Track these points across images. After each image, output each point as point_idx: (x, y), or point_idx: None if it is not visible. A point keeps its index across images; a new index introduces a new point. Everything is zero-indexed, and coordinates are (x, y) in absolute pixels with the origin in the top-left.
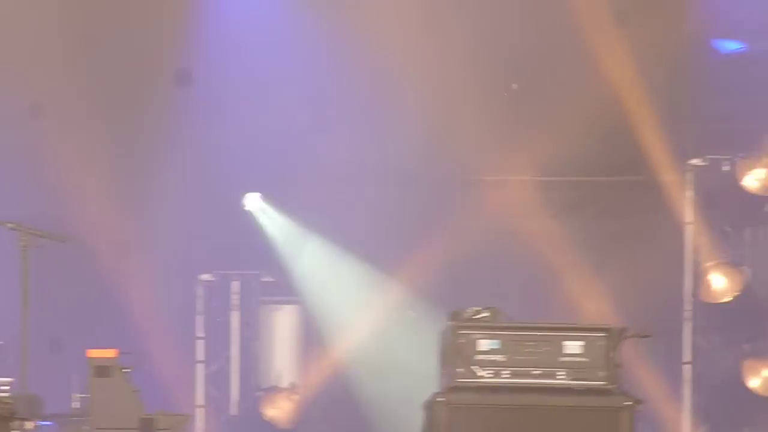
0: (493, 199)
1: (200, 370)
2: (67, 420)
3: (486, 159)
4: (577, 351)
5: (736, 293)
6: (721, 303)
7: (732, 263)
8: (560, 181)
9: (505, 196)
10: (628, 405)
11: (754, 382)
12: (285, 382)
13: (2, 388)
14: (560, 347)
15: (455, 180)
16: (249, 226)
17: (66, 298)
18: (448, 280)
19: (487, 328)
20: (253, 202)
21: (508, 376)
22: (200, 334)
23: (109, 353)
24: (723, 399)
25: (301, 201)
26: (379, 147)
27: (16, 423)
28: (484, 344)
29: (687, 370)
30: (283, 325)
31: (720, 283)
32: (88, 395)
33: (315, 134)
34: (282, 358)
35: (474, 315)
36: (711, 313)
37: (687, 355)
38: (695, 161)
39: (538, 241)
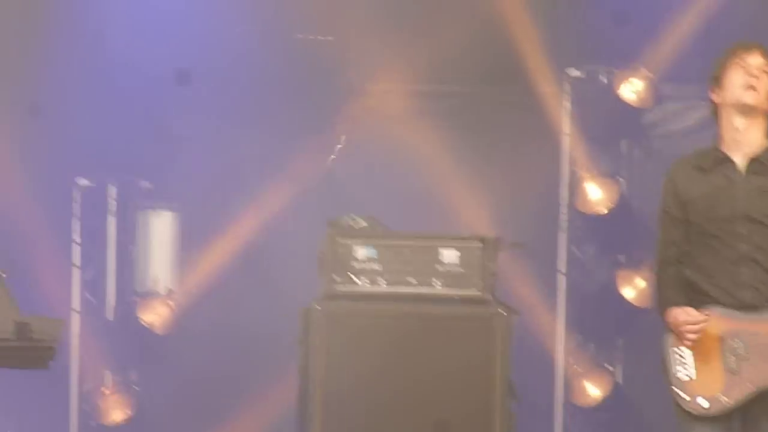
0: (371, 107)
1: (76, 275)
2: None
3: (363, 68)
4: (454, 260)
5: (611, 204)
6: (596, 213)
7: (608, 174)
8: (438, 91)
9: (383, 105)
10: (502, 314)
11: (628, 293)
12: (162, 288)
13: None
14: (437, 256)
15: (335, 88)
16: (128, 131)
17: None
18: (326, 189)
19: (365, 236)
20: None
21: (385, 284)
22: (76, 238)
23: None
24: (597, 309)
25: (182, 105)
26: (262, 53)
27: None
28: (361, 253)
29: (562, 280)
30: (160, 230)
31: (595, 194)
32: None
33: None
34: (159, 263)
35: (352, 224)
36: (586, 223)
37: (562, 265)
38: (573, 72)
39: (415, 150)
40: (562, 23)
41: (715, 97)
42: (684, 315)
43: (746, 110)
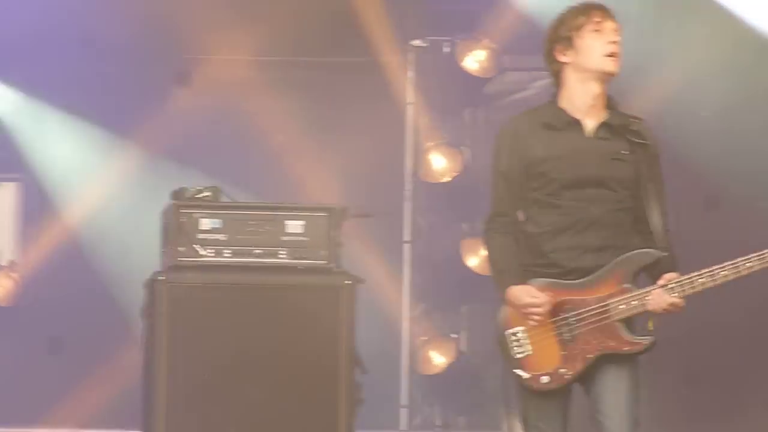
0: (214, 78)
1: None
2: None
3: (208, 37)
4: (299, 230)
5: (455, 173)
6: (440, 183)
7: (451, 144)
8: (282, 61)
9: (227, 74)
10: (348, 283)
11: (471, 261)
12: (4, 260)
13: None
14: (282, 226)
15: (175, 58)
16: None
17: None
18: (169, 159)
19: (209, 207)
20: None
21: (229, 255)
22: None
23: None
24: (442, 278)
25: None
26: (100, 21)
27: None
28: (205, 223)
29: (407, 250)
30: (2, 202)
31: (440, 164)
32: None
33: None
34: (1, 235)
35: (196, 194)
36: (431, 193)
37: (407, 234)
38: (416, 42)
39: (260, 121)
40: None
41: (563, 58)
42: (527, 297)
43: (606, 77)
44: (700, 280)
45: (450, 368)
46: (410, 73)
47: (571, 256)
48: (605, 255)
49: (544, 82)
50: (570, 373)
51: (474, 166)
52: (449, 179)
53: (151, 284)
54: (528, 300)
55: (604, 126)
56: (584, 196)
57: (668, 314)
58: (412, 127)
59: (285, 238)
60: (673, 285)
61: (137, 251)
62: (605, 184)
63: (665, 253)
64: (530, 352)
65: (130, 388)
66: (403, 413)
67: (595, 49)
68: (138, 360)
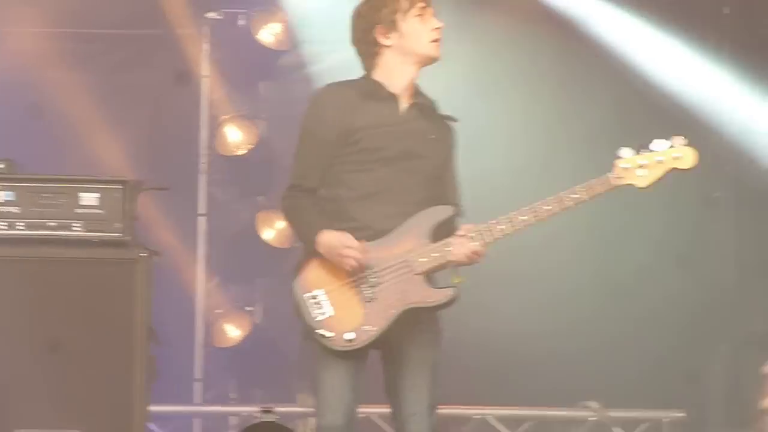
0: (5, 49)
1: None
2: None
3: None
4: (93, 203)
5: (250, 146)
6: (236, 156)
7: (247, 116)
8: (75, 33)
9: (21, 47)
10: (143, 256)
11: (267, 234)
12: None
13: None
14: (76, 199)
15: None
16: None
17: None
18: None
19: (2, 179)
20: None
21: (23, 228)
22: None
23: None
24: (237, 250)
25: None
26: None
27: None
28: None
29: (202, 222)
30: None
31: (235, 136)
32: None
33: None
34: None
35: None
36: (226, 165)
37: (202, 207)
38: (211, 14)
39: (56, 93)
40: None
41: (385, 41)
42: (344, 238)
43: (428, 61)
44: (499, 227)
45: (245, 341)
46: (205, 46)
47: (379, 218)
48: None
49: (340, 56)
50: (374, 329)
51: (269, 139)
52: (245, 152)
53: None
54: (346, 241)
55: (416, 106)
56: (397, 166)
57: (470, 263)
58: (207, 99)
59: (79, 211)
60: (473, 234)
61: None
62: (416, 158)
63: (459, 209)
64: (332, 314)
65: None
66: (197, 387)
67: (421, 34)
68: None
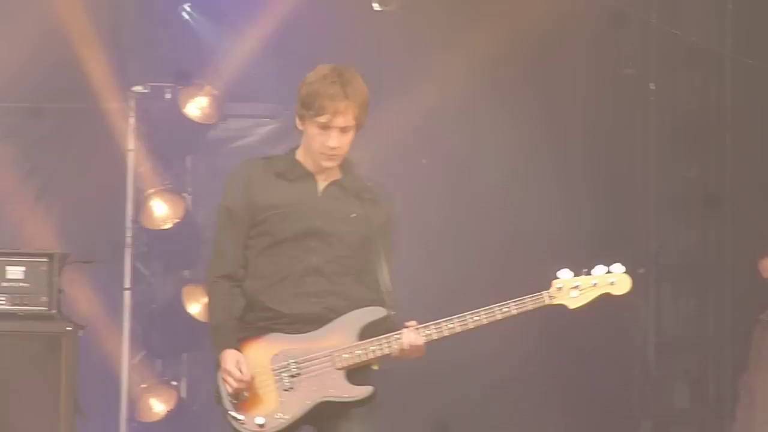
0: None
1: None
2: None
3: None
4: (19, 276)
5: (176, 220)
6: (162, 229)
7: (173, 190)
8: (2, 107)
9: None
10: (69, 330)
11: (193, 308)
12: None
13: None
14: (2, 273)
15: None
16: None
17: None
18: None
19: None
20: None
21: None
22: None
23: None
24: (163, 325)
25: None
26: None
27: None
28: None
29: (127, 296)
30: None
31: (161, 210)
32: None
33: None
34: None
35: None
36: (152, 239)
37: (127, 281)
38: (138, 88)
39: None
40: (128, 41)
41: (299, 125)
42: (231, 365)
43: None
44: (449, 325)
45: (170, 415)
46: (131, 120)
47: (291, 302)
48: (327, 300)
49: (266, 129)
50: (285, 417)
51: (195, 213)
52: (170, 226)
53: None
54: (233, 371)
55: (335, 185)
56: (304, 247)
57: (406, 358)
58: (133, 173)
59: (5, 284)
60: (425, 326)
61: None
62: (326, 239)
63: (393, 312)
64: (246, 398)
65: None
66: None
67: (315, 140)
68: None
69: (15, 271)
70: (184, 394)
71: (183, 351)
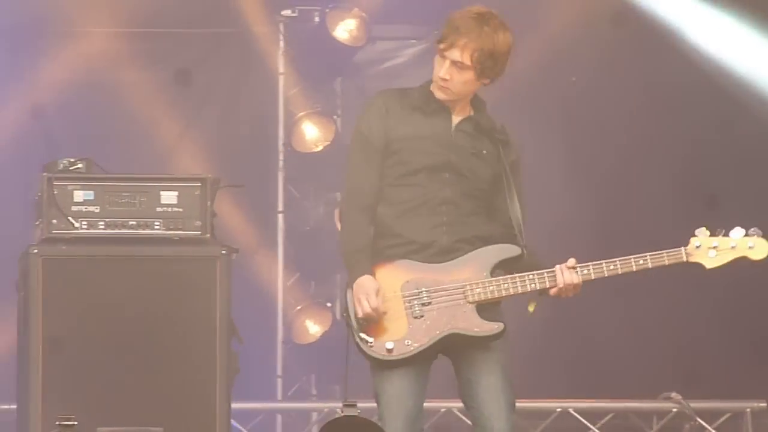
0: (82, 51)
1: None
2: None
3: (70, 11)
4: (173, 201)
5: (327, 142)
6: (313, 152)
7: (323, 113)
8: (149, 33)
9: (94, 47)
10: (224, 253)
11: None
12: None
13: None
14: (156, 198)
15: (42, 31)
16: None
17: None
18: (37, 133)
19: (82, 179)
20: None
21: (103, 227)
22: None
23: None
24: (315, 246)
25: None
26: None
27: None
28: (78, 195)
29: (280, 219)
30: None
31: (312, 133)
32: None
33: None
34: None
35: (69, 166)
36: (303, 162)
37: (280, 204)
38: (286, 12)
39: (128, 93)
40: None
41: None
42: (372, 295)
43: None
44: (610, 266)
45: (325, 337)
46: (281, 43)
47: (423, 230)
48: (459, 232)
49: (414, 50)
50: (415, 344)
51: (345, 135)
52: (321, 148)
53: (25, 257)
54: (368, 294)
55: (469, 120)
56: (438, 178)
57: (563, 295)
58: (283, 97)
59: (159, 209)
60: (583, 265)
61: (11, 225)
62: (460, 173)
63: (524, 250)
64: (376, 322)
65: (6, 363)
66: (279, 383)
67: (435, 67)
68: (13, 333)
69: (169, 196)
70: (338, 315)
71: (336, 272)
